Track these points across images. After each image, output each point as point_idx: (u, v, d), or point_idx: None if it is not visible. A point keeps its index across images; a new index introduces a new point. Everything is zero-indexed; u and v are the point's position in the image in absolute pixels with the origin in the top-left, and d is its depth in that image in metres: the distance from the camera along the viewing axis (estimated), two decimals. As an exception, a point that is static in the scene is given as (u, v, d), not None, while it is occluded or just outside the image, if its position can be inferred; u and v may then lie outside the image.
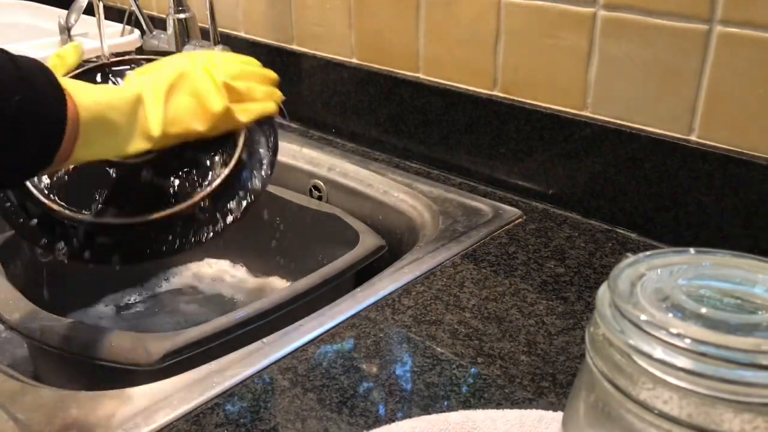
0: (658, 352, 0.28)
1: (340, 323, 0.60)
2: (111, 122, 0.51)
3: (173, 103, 0.56)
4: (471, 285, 0.65)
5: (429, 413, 0.50)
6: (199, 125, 0.57)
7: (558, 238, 0.74)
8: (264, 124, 0.65)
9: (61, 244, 0.59)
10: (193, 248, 0.59)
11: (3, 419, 0.50)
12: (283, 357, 0.56)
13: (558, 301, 0.63)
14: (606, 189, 0.75)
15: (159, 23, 0.98)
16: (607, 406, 0.31)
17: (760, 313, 0.30)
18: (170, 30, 0.90)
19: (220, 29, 0.91)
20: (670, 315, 0.29)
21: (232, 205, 0.60)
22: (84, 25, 1.13)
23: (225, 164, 0.60)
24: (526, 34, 0.78)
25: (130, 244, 0.59)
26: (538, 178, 0.81)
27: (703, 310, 0.29)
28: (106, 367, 0.60)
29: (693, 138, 0.69)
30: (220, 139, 0.61)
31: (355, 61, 0.95)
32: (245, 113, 0.60)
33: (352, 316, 0.61)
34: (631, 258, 0.33)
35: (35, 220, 0.59)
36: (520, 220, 0.77)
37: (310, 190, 0.93)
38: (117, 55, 0.66)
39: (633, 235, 0.74)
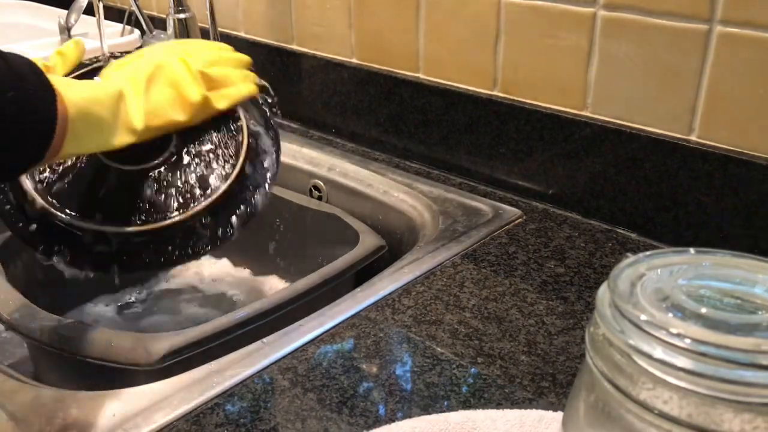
0: (658, 352, 0.28)
1: (340, 323, 0.60)
2: (97, 117, 0.52)
3: (153, 96, 0.56)
4: (471, 285, 0.65)
5: (429, 413, 0.50)
6: (179, 115, 0.58)
7: (558, 238, 0.74)
8: (268, 139, 0.65)
9: (59, 248, 0.59)
10: (191, 260, 0.60)
11: (3, 419, 0.50)
12: (283, 357, 0.56)
13: (558, 301, 0.63)
14: (606, 189, 0.75)
15: (159, 23, 0.98)
16: (607, 406, 0.31)
17: (760, 313, 0.30)
18: (170, 30, 0.90)
19: (220, 29, 0.91)
20: (670, 315, 0.29)
21: (231, 218, 0.61)
22: (84, 25, 1.13)
23: (226, 177, 0.61)
24: (526, 34, 0.78)
25: (129, 254, 0.59)
26: (538, 178, 0.81)
27: (703, 310, 0.29)
28: (106, 367, 0.60)
29: (693, 138, 0.69)
30: (223, 150, 0.62)
31: (355, 61, 0.95)
32: (223, 99, 0.61)
33: (352, 316, 0.61)
34: (631, 258, 0.33)
35: (34, 225, 0.59)
36: (520, 220, 0.77)
37: (310, 190, 0.93)
38: (114, 57, 0.66)
39: (633, 235, 0.74)
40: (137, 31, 1.13)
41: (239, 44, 1.06)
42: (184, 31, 0.90)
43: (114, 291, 0.90)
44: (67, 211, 0.58)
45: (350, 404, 0.51)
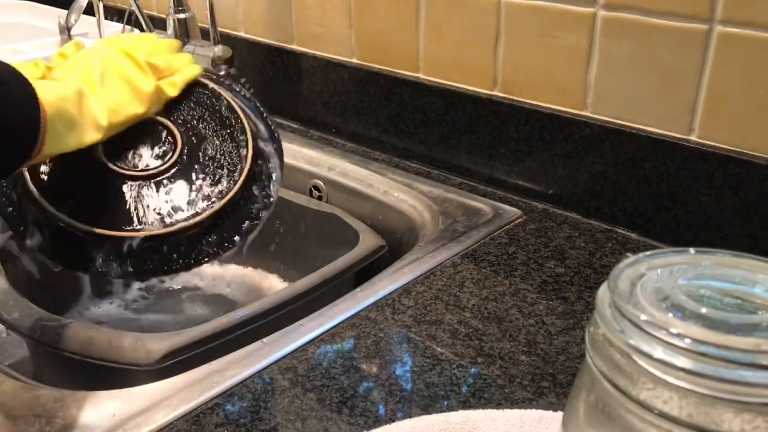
0: (658, 352, 0.28)
1: (340, 323, 0.60)
2: (69, 115, 0.53)
3: (109, 92, 0.57)
4: (471, 285, 0.65)
5: (429, 413, 0.50)
6: (137, 108, 0.59)
7: (558, 238, 0.74)
8: (272, 149, 0.66)
9: (58, 250, 0.59)
10: (195, 267, 0.60)
11: (3, 419, 0.50)
12: (283, 357, 0.56)
13: (558, 301, 0.63)
14: (606, 189, 0.75)
15: (159, 23, 0.98)
16: (607, 406, 0.31)
17: (760, 313, 0.30)
18: (170, 30, 0.90)
19: (220, 29, 0.91)
20: (670, 315, 0.29)
21: (235, 228, 0.61)
22: (84, 25, 1.13)
23: (229, 188, 0.61)
24: (526, 34, 0.78)
25: (134, 260, 0.59)
26: (538, 178, 0.81)
27: (703, 310, 0.29)
28: (106, 367, 0.60)
29: (693, 138, 0.69)
30: (227, 160, 0.62)
31: (355, 61, 0.95)
32: (172, 86, 0.63)
33: (352, 316, 0.61)
34: (631, 258, 0.33)
35: (33, 227, 0.59)
36: (520, 220, 0.77)
37: (310, 190, 0.93)
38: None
39: (633, 235, 0.74)
40: (137, 31, 1.13)
41: (239, 44, 1.06)
42: (184, 31, 0.90)
43: (114, 291, 0.90)
44: (69, 213, 0.58)
45: (350, 404, 0.51)
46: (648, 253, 0.34)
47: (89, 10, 1.09)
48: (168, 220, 0.59)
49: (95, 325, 0.62)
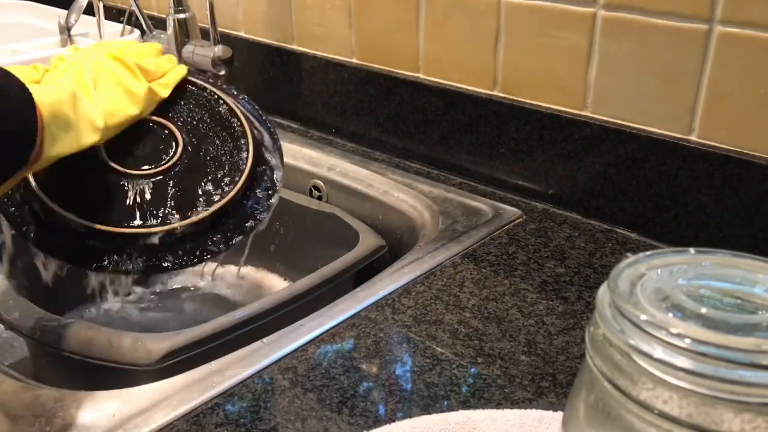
0: (658, 352, 0.28)
1: (340, 323, 0.60)
2: (65, 117, 0.54)
3: (103, 95, 0.58)
4: (471, 285, 0.65)
5: (429, 413, 0.50)
6: (132, 109, 0.60)
7: (558, 238, 0.74)
8: (272, 150, 0.67)
9: (62, 248, 0.59)
10: (197, 264, 0.61)
11: (3, 419, 0.50)
12: (283, 357, 0.56)
13: (558, 301, 0.63)
14: (606, 189, 0.75)
15: (159, 23, 0.98)
16: (607, 406, 0.31)
17: (760, 313, 0.30)
18: (170, 30, 0.90)
19: (220, 29, 0.91)
20: (670, 315, 0.29)
21: (235, 228, 0.62)
22: (84, 25, 1.13)
23: (230, 186, 0.62)
24: (526, 34, 0.78)
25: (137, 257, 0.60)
26: (538, 178, 0.81)
27: (703, 310, 0.29)
28: (106, 367, 0.60)
29: (693, 138, 0.69)
30: (228, 159, 0.63)
31: (355, 61, 0.95)
32: (163, 86, 0.64)
33: (352, 316, 0.61)
34: (631, 258, 0.33)
35: (34, 226, 0.59)
36: (520, 220, 0.77)
37: (310, 190, 0.93)
38: None
39: (633, 235, 0.74)
40: (137, 31, 1.13)
41: (239, 44, 1.07)
42: (184, 31, 0.90)
43: (114, 291, 0.90)
44: (74, 212, 0.58)
45: (350, 404, 0.51)
46: (648, 253, 0.34)
47: (89, 10, 1.09)
48: (170, 219, 0.59)
49: (95, 325, 0.62)
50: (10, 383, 0.54)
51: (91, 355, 0.60)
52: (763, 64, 0.63)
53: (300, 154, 0.95)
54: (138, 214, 0.59)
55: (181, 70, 0.66)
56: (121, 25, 1.15)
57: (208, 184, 0.62)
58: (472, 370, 0.54)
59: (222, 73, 0.87)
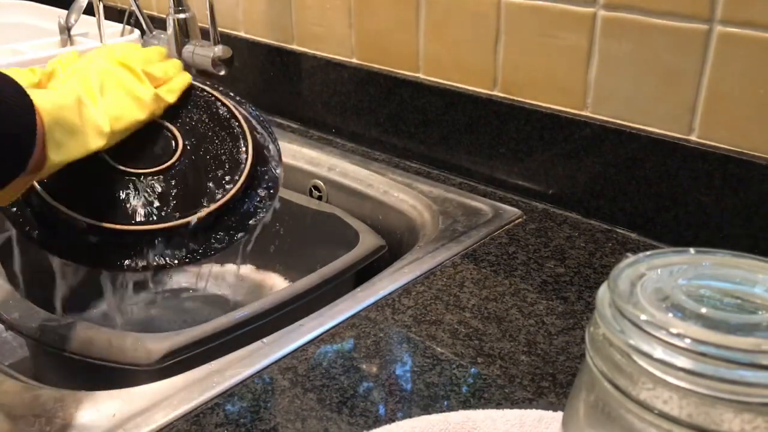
0: (658, 352, 0.28)
1: (340, 323, 0.60)
2: (69, 122, 0.54)
3: (109, 101, 0.58)
4: (471, 285, 0.65)
5: (429, 413, 0.50)
6: (138, 114, 0.60)
7: (558, 238, 0.74)
8: (272, 151, 0.68)
9: (63, 247, 0.60)
10: (197, 263, 0.62)
11: (3, 419, 0.50)
12: (283, 357, 0.56)
13: (558, 301, 0.63)
14: (606, 189, 0.75)
15: (159, 23, 0.98)
16: (607, 406, 0.31)
17: (760, 313, 0.30)
18: (170, 30, 0.90)
19: (220, 29, 0.91)
20: (670, 315, 0.29)
21: (234, 227, 0.63)
22: (84, 25, 1.13)
23: (231, 184, 0.63)
24: (526, 34, 0.78)
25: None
26: (538, 178, 0.81)
27: (703, 310, 0.29)
28: (106, 367, 0.60)
29: (693, 138, 0.69)
30: (228, 158, 0.63)
31: (355, 61, 0.95)
32: (170, 92, 0.65)
33: (352, 316, 0.61)
34: (631, 258, 0.33)
35: (36, 225, 0.60)
36: (520, 220, 0.77)
37: (310, 190, 0.93)
38: None
39: (633, 235, 0.74)
40: (137, 31, 1.13)
41: (239, 44, 1.06)
42: (184, 31, 0.90)
43: (115, 290, 0.90)
44: (75, 210, 0.59)
45: (350, 404, 0.51)
46: (648, 253, 0.34)
47: (89, 10, 1.09)
48: (174, 216, 0.60)
49: (95, 325, 0.62)
50: (10, 383, 0.54)
51: (91, 355, 0.60)
52: (763, 64, 0.63)
53: (300, 154, 0.95)
54: (142, 212, 0.59)
55: (186, 77, 0.67)
56: (121, 25, 1.15)
57: (210, 182, 0.62)
58: (472, 370, 0.54)
59: (222, 73, 0.86)
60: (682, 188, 0.70)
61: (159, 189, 0.61)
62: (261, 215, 0.64)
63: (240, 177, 0.63)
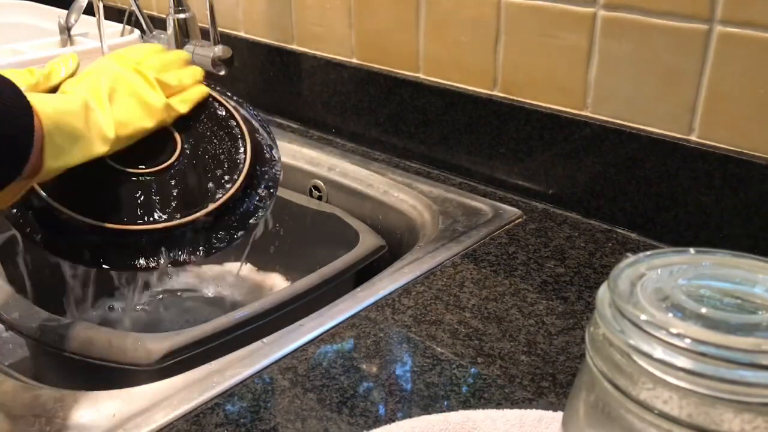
0: (658, 352, 0.28)
1: (340, 323, 0.60)
2: (72, 127, 0.53)
3: (118, 106, 0.58)
4: (471, 285, 0.65)
5: (429, 413, 0.50)
6: (146, 122, 0.60)
7: (558, 238, 0.74)
8: (271, 152, 0.68)
9: (64, 247, 0.60)
10: (197, 261, 0.62)
11: (3, 419, 0.50)
12: (283, 357, 0.56)
13: (558, 301, 0.63)
14: (606, 189, 0.75)
15: (159, 23, 0.98)
16: (607, 406, 0.31)
17: (760, 313, 0.30)
18: (170, 30, 0.90)
19: (220, 29, 0.91)
20: (670, 315, 0.29)
21: (234, 225, 0.63)
22: (84, 25, 1.13)
23: (230, 184, 0.63)
24: (526, 34, 0.78)
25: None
26: (538, 178, 0.81)
27: (703, 310, 0.29)
28: (106, 367, 0.60)
29: (693, 138, 0.69)
30: (227, 158, 0.64)
31: (355, 61, 0.95)
32: (182, 102, 0.64)
33: (352, 316, 0.61)
34: (631, 258, 0.33)
35: (38, 226, 0.60)
36: (520, 220, 0.77)
37: (310, 190, 0.93)
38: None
39: (633, 235, 0.74)
40: (137, 31, 1.13)
41: (239, 44, 1.06)
42: (184, 31, 0.90)
43: (115, 290, 0.90)
44: (75, 210, 0.59)
45: (350, 404, 0.51)
46: (648, 253, 0.34)
47: (89, 10, 1.09)
48: (172, 216, 0.60)
49: (95, 325, 0.62)
50: (10, 383, 0.54)
51: (91, 355, 0.60)
52: (763, 64, 0.63)
53: (300, 154, 0.95)
54: (143, 212, 0.59)
55: (202, 90, 0.66)
56: (121, 25, 1.15)
57: (210, 182, 0.62)
58: (472, 370, 0.54)
59: (222, 73, 0.86)
60: (682, 188, 0.70)
61: (159, 189, 0.61)
62: (261, 214, 0.64)
63: (239, 176, 0.63)
